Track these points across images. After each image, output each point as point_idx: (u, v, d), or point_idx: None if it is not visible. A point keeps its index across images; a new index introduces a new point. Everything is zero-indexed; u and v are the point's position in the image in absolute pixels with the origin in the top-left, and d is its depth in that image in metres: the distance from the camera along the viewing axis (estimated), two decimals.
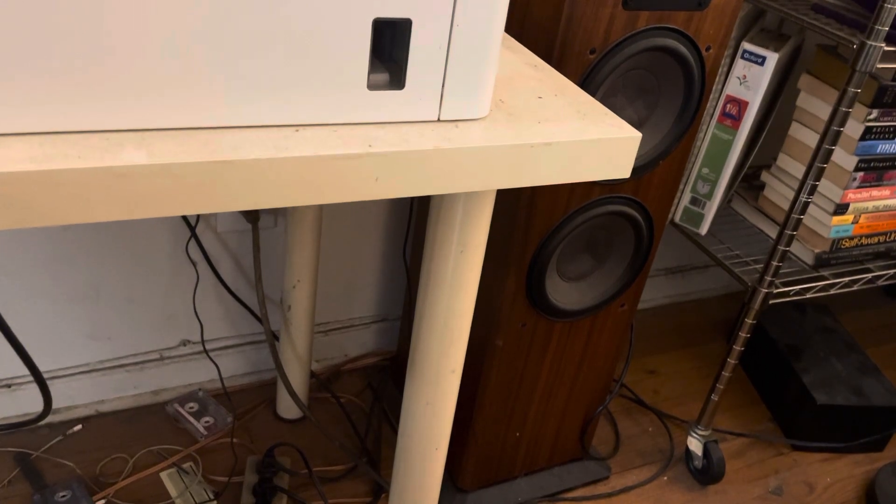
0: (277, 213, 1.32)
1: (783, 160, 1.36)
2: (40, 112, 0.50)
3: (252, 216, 1.18)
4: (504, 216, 1.04)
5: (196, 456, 1.29)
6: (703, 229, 1.34)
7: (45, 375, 1.28)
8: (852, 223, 1.32)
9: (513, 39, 0.85)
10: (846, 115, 1.08)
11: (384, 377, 1.52)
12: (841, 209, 1.30)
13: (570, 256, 1.13)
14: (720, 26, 0.98)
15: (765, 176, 1.41)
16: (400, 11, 0.56)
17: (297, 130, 0.57)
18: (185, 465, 1.27)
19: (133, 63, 0.51)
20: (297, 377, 1.35)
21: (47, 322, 1.24)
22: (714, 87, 1.22)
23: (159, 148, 0.51)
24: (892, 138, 1.27)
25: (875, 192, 1.32)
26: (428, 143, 0.58)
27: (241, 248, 1.33)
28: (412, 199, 1.37)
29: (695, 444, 1.41)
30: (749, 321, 1.26)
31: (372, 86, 0.58)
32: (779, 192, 1.38)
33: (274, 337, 1.38)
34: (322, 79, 0.56)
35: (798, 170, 1.33)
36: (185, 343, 1.37)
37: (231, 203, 0.53)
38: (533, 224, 1.02)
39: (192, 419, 1.34)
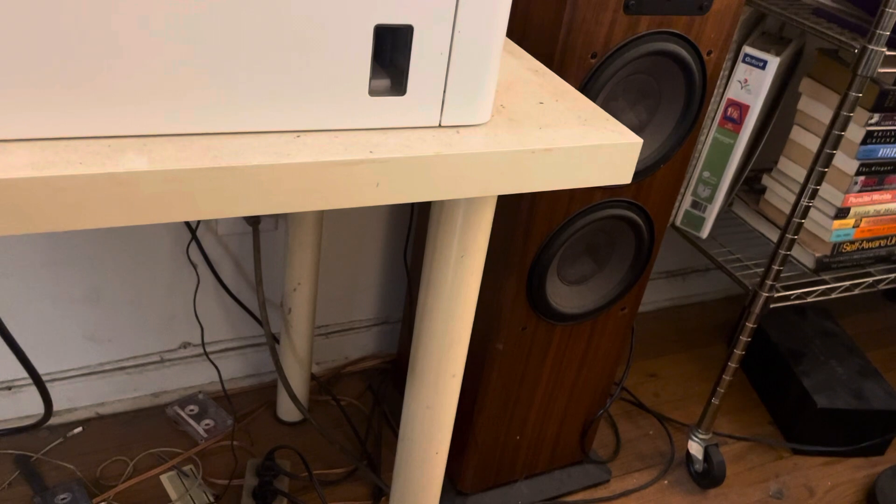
0: (278, 216, 1.32)
1: (784, 164, 1.36)
2: (42, 118, 0.50)
3: (253, 219, 1.18)
4: (505, 220, 1.04)
5: (196, 458, 1.29)
6: (704, 233, 1.34)
7: (46, 378, 1.28)
8: (853, 227, 1.32)
9: (514, 44, 0.85)
10: (847, 120, 1.08)
11: (385, 380, 1.52)
12: (842, 213, 1.30)
13: (571, 260, 1.12)
14: (721, 30, 0.98)
15: (766, 180, 1.41)
16: (401, 18, 0.56)
17: (298, 136, 0.57)
18: (186, 468, 1.27)
19: (134, 69, 0.51)
20: (298, 380, 1.35)
21: (48, 324, 1.24)
22: (715, 91, 1.22)
23: (160, 154, 0.51)
24: (894, 142, 1.27)
25: (876, 196, 1.32)
26: (429, 149, 0.58)
27: (242, 251, 1.33)
28: (413, 202, 1.37)
29: (695, 448, 1.41)
30: (750, 325, 1.26)
31: (373, 92, 0.58)
32: (780, 196, 1.38)
33: (274, 339, 1.38)
34: (323, 85, 0.56)
35: (799, 173, 1.33)
36: (185, 345, 1.37)
37: (232, 209, 0.53)
38: (533, 227, 1.02)
39: (192, 422, 1.34)
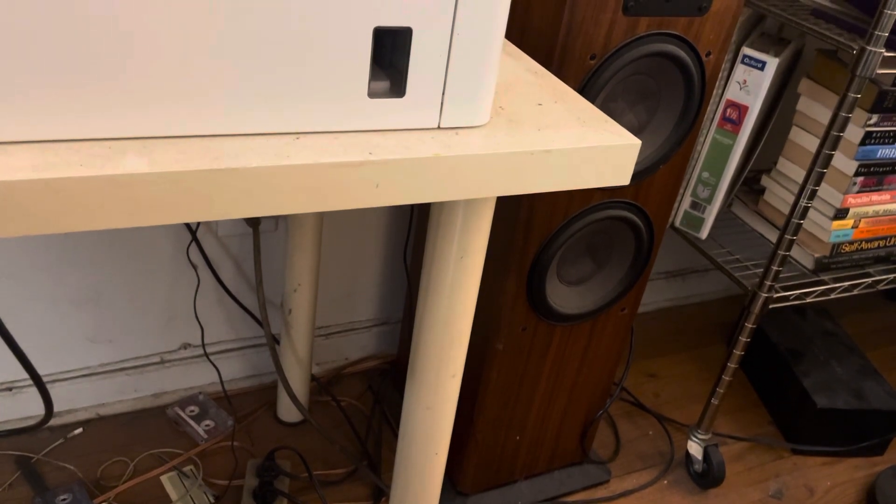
0: (278, 217, 1.32)
1: (783, 164, 1.36)
2: (43, 120, 0.50)
3: (253, 220, 1.18)
4: (504, 220, 1.04)
5: (196, 459, 1.30)
6: (704, 233, 1.34)
7: (46, 379, 1.28)
8: (852, 228, 1.32)
9: (513, 45, 0.85)
10: (846, 120, 1.09)
11: (385, 381, 1.52)
12: (841, 214, 1.30)
13: (571, 260, 1.13)
14: (720, 32, 0.98)
15: (765, 180, 1.41)
16: (400, 20, 0.56)
17: (297, 138, 0.57)
18: (186, 469, 1.27)
19: (135, 71, 0.51)
20: (298, 380, 1.35)
21: (48, 325, 1.24)
22: (714, 92, 1.22)
23: (161, 156, 0.52)
24: (893, 143, 1.27)
25: (875, 197, 1.32)
26: (428, 151, 0.59)
27: (242, 252, 1.33)
28: (412, 204, 1.37)
29: (695, 448, 1.41)
30: (749, 325, 1.26)
31: (372, 93, 0.58)
32: (779, 197, 1.38)
33: (274, 340, 1.38)
34: (323, 87, 0.56)
35: (798, 174, 1.33)
36: (185, 346, 1.38)
37: (232, 211, 0.54)
38: (533, 228, 1.02)
39: (192, 422, 1.34)
